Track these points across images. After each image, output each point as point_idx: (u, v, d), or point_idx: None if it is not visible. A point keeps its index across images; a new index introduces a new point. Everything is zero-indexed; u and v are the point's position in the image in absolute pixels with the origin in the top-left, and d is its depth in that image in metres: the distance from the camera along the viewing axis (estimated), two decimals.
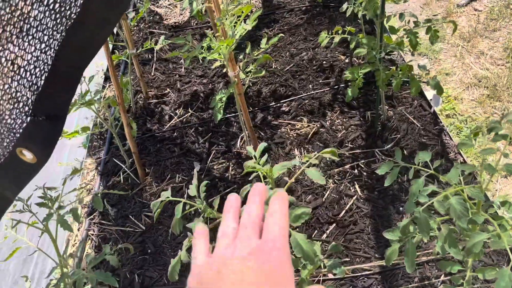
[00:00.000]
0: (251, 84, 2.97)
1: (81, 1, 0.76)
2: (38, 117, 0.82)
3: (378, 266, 1.93)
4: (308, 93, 2.84)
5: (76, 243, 2.31)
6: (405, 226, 1.32)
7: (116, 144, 2.58)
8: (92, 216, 2.39)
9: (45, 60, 0.79)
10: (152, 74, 3.25)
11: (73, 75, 0.82)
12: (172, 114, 2.90)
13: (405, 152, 2.35)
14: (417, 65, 2.24)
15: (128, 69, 2.85)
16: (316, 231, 2.09)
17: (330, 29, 3.26)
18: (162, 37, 2.72)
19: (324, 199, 2.21)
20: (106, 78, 3.34)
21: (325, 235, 2.07)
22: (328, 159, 2.40)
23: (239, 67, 2.21)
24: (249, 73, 2.36)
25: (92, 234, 2.30)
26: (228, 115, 2.78)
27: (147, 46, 2.69)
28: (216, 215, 1.23)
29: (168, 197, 1.29)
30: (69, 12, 0.76)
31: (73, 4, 0.76)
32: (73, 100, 2.14)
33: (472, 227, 1.31)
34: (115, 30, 2.69)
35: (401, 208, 2.11)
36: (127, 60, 2.79)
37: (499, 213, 1.59)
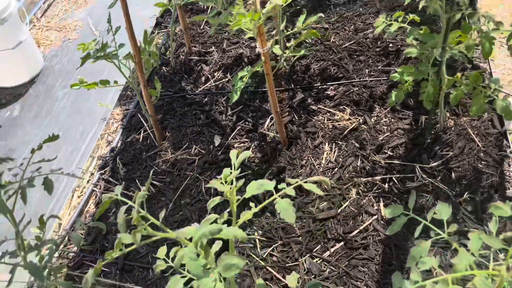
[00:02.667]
0: (298, 60, 2.63)
1: None
2: None
3: None
4: (361, 79, 2.46)
5: (82, 195, 2.28)
6: None
7: None
8: (103, 171, 2.34)
9: None
10: (201, 27, 3.02)
11: None
12: (210, 76, 2.69)
13: (453, 175, 1.94)
14: (492, 77, 1.77)
15: (172, 20, 2.65)
16: (319, 246, 1.84)
17: (411, 6, 2.75)
18: None
19: (339, 211, 1.92)
20: (157, 24, 3.18)
21: (327, 253, 1.81)
22: (359, 163, 2.08)
23: (276, 42, 1.91)
24: (287, 50, 2.05)
25: (98, 190, 2.25)
26: (266, 89, 2.51)
27: None
28: (151, 232, 1.03)
29: (117, 195, 1.12)
30: None
31: None
32: (91, 52, 2.01)
33: None
34: None
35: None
36: (170, 8, 2.59)
37: None
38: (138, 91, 2.26)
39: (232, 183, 1.19)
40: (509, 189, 1.88)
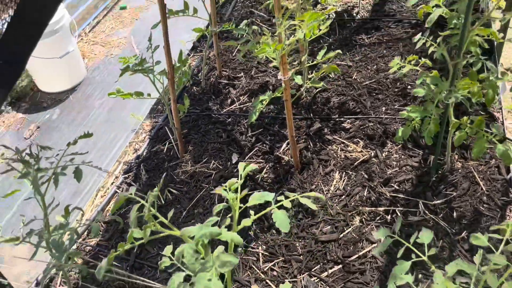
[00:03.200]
0: (320, 92, 2.79)
1: None
2: None
3: None
4: (377, 116, 2.58)
5: (105, 195, 2.46)
6: None
7: None
8: (127, 175, 2.52)
9: (8, 10, 0.84)
10: (234, 54, 3.24)
11: (32, 29, 0.87)
12: (235, 99, 2.88)
13: (454, 214, 2.02)
14: (496, 124, 1.88)
15: (207, 44, 2.88)
16: (318, 266, 1.93)
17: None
18: (244, 21, 2.67)
19: (341, 235, 2.02)
20: (193, 48, 3.43)
21: (325, 274, 1.90)
22: (366, 193, 2.18)
23: (299, 72, 2.08)
24: (307, 81, 2.22)
25: (120, 192, 2.43)
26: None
27: (226, 27, 2.68)
28: (159, 229, 1.18)
29: (131, 194, 1.28)
30: None
31: None
32: (130, 65, 2.23)
33: None
34: (201, 6, 2.71)
35: (420, 276, 1.84)
36: (206, 34, 2.81)
37: None
38: (168, 105, 2.46)
39: (236, 192, 1.33)
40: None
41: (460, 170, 2.20)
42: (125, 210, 2.33)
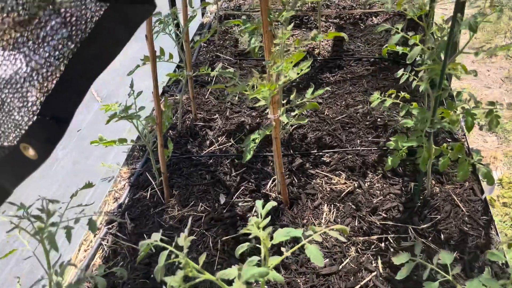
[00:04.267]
0: (296, 128, 2.89)
1: (96, 19, 0.80)
2: (44, 117, 0.87)
3: None
4: (353, 148, 2.71)
5: (88, 249, 2.34)
6: None
7: None
8: (110, 226, 2.42)
9: (58, 66, 0.83)
10: (206, 97, 3.29)
11: (82, 84, 0.87)
12: (214, 141, 2.90)
13: (442, 236, 2.13)
14: (472, 147, 2.04)
15: (182, 89, 2.91)
16: None
17: (393, 86, 3.12)
18: (219, 65, 2.75)
19: (340, 267, 2.06)
20: (163, 93, 3.44)
21: None
22: (357, 223, 2.25)
23: (280, 111, 2.16)
24: (291, 119, 2.30)
25: (105, 244, 2.32)
26: (267, 154, 2.73)
27: (203, 71, 2.73)
28: (196, 274, 1.15)
29: (156, 241, 1.25)
30: (84, 26, 0.80)
31: (88, 20, 0.79)
32: (117, 111, 2.20)
33: None
34: (177, 51, 2.76)
35: None
36: (182, 79, 2.85)
37: None
38: (151, 150, 2.43)
39: (259, 229, 1.34)
40: (492, 249, 2.07)
41: (439, 194, 2.34)
42: (113, 263, 2.22)
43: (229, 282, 1.14)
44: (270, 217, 1.33)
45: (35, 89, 0.81)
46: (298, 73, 1.88)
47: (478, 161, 1.86)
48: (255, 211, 2.39)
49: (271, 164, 2.67)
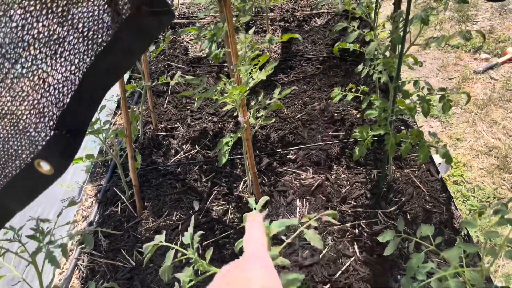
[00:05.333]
0: (260, 128, 2.97)
1: (112, 32, 0.81)
2: (60, 131, 0.86)
3: None
4: (316, 144, 2.83)
5: (64, 271, 2.25)
6: None
7: (118, 173, 2.56)
8: (83, 245, 2.35)
9: (73, 80, 0.84)
10: (165, 106, 3.27)
11: (96, 95, 0.87)
12: (179, 149, 2.89)
13: (408, 217, 2.29)
14: (428, 131, 2.22)
15: (141, 100, 2.88)
16: None
17: (344, 82, 3.29)
18: (178, 73, 2.75)
19: (321, 257, 2.15)
20: (119, 105, 3.37)
21: None
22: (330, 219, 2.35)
23: (250, 112, 2.22)
24: (259, 119, 2.37)
25: (81, 265, 2.25)
26: (234, 156, 2.77)
27: (162, 80, 2.73)
28: (207, 268, 1.18)
29: (161, 242, 1.25)
30: (100, 40, 0.80)
31: (105, 33, 0.81)
32: None
33: None
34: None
35: (398, 276, 2.04)
36: (141, 91, 2.82)
37: None
38: (119, 163, 2.39)
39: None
40: (455, 223, 2.26)
41: (400, 179, 2.51)
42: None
43: None
44: (266, 210, 1.38)
45: (51, 104, 0.81)
46: (266, 75, 1.95)
47: (436, 143, 2.03)
48: (231, 213, 2.43)
49: (240, 166, 2.72)
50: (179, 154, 2.85)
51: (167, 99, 3.33)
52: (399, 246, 2.15)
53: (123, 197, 2.56)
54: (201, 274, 1.22)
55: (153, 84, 2.84)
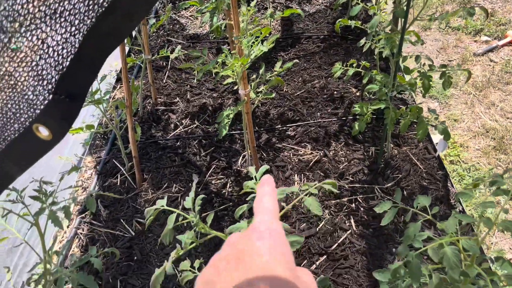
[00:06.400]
0: (260, 105, 2.98)
1: None
2: (59, 95, 0.87)
3: None
4: (315, 121, 2.84)
5: (63, 240, 2.28)
6: (396, 269, 1.30)
7: (118, 145, 2.57)
8: (83, 215, 2.37)
9: (73, 43, 0.83)
10: (164, 81, 3.27)
11: (97, 59, 0.87)
12: (178, 123, 2.90)
13: (405, 193, 2.33)
14: (427, 108, 2.24)
15: (141, 74, 2.87)
16: (306, 261, 2.06)
17: (345, 60, 3.28)
18: (179, 46, 2.74)
19: (317, 229, 2.18)
20: (118, 79, 3.36)
21: (314, 266, 2.04)
22: (326, 189, 2.38)
23: (251, 86, 2.22)
24: (259, 94, 2.37)
25: (81, 233, 2.28)
26: (233, 132, 2.78)
27: (162, 54, 2.72)
28: (208, 231, 1.21)
29: (163, 206, 1.28)
30: (101, 0, 0.80)
31: None
32: None
33: (464, 279, 1.28)
34: (133, 33, 2.72)
35: (394, 249, 2.08)
36: (141, 64, 2.81)
37: (492, 269, 1.56)
38: (119, 135, 2.40)
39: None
40: (450, 200, 2.29)
41: (398, 156, 2.54)
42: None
43: None
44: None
45: (50, 67, 0.81)
46: (268, 48, 1.95)
47: (435, 119, 2.05)
48: (229, 187, 2.45)
49: (239, 142, 2.73)
50: (179, 129, 2.86)
51: (166, 74, 3.32)
52: (395, 220, 2.18)
53: (122, 169, 2.58)
54: (202, 236, 1.25)
55: (153, 58, 2.83)
